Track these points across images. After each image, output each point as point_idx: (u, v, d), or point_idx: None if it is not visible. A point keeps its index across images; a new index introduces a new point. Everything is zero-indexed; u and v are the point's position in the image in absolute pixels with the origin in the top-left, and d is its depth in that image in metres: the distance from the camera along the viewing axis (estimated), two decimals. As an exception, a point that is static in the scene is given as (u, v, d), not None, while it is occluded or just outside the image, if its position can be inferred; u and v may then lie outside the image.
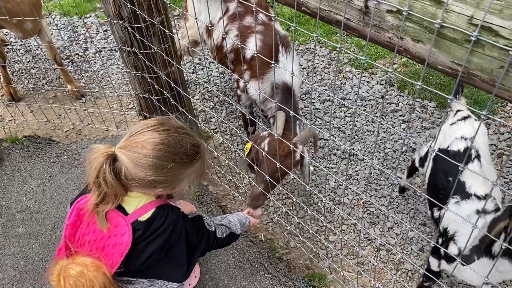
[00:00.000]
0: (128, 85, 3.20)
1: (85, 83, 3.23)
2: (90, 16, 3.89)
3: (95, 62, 3.41)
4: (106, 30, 3.68)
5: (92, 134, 2.83)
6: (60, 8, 3.96)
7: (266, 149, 1.94)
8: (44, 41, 2.89)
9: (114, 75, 3.30)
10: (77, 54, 3.48)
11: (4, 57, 3.00)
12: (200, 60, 3.39)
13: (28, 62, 3.43)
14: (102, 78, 3.27)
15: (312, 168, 2.60)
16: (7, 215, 2.18)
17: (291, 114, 1.53)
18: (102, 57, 3.45)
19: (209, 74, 3.29)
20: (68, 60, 3.42)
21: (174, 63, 2.14)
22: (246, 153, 2.13)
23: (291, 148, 1.77)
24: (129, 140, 1.29)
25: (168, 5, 2.00)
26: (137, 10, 1.94)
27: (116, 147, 1.28)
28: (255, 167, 2.02)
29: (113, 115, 2.91)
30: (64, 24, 3.78)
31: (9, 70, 3.20)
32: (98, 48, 3.53)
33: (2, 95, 3.10)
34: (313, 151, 2.37)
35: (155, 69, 2.15)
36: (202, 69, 3.33)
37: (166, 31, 2.06)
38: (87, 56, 3.45)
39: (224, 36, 2.38)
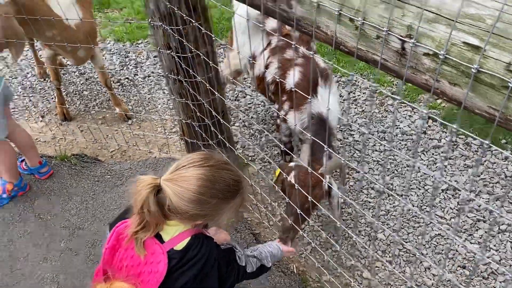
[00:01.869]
0: (172, 110, 3.32)
1: (132, 106, 3.39)
2: (141, 42, 4.10)
3: (143, 87, 3.57)
4: (155, 57, 3.86)
5: (136, 156, 2.94)
6: (114, 34, 4.20)
7: (293, 180, 1.95)
8: (97, 66, 3.07)
9: (159, 100, 3.43)
10: (127, 78, 3.66)
11: (59, 80, 3.20)
12: (243, 87, 3.47)
13: (81, 84, 3.64)
14: (149, 102, 3.41)
15: (341, 200, 2.57)
16: (51, 230, 2.29)
17: (322, 145, 1.54)
18: (150, 82, 3.61)
19: (250, 102, 3.37)
20: (118, 84, 3.60)
21: (216, 92, 2.22)
22: (274, 179, 2.15)
23: (313, 177, 1.77)
24: (175, 174, 1.33)
25: (213, 37, 2.09)
26: (184, 41, 2.04)
27: (162, 179, 1.33)
28: (286, 199, 2.03)
29: (157, 138, 3.02)
30: (116, 49, 4.00)
31: (63, 91, 3.40)
32: (146, 73, 3.70)
33: (55, 114, 3.29)
34: (341, 183, 2.35)
35: (198, 97, 2.23)
36: (244, 97, 3.41)
37: (210, 62, 2.14)
38: (136, 81, 3.62)
39: (265, 69, 2.47)
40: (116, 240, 1.44)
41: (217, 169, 1.37)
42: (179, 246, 1.39)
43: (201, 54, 2.09)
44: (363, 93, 3.32)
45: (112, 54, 3.95)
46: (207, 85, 2.17)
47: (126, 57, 3.91)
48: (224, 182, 1.36)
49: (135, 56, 3.91)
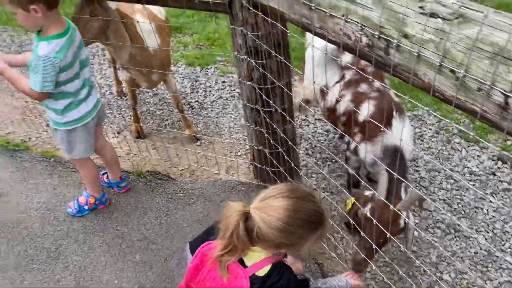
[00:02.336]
0: (238, 133, 3.46)
1: (201, 128, 3.55)
2: (211, 67, 4.30)
3: (211, 110, 3.74)
4: (223, 82, 4.05)
5: (204, 175, 3.07)
6: (185, 58, 4.44)
7: (369, 212, 1.99)
8: (170, 90, 3.27)
9: (227, 123, 3.58)
10: (197, 101, 3.85)
11: (136, 100, 3.43)
12: (306, 116, 3.56)
13: (154, 104, 3.86)
14: (216, 125, 3.57)
15: (416, 233, 2.56)
16: (127, 242, 2.44)
17: (398, 178, 1.58)
18: (218, 106, 3.77)
19: (313, 130, 3.44)
20: (188, 106, 3.79)
21: (291, 121, 2.32)
22: (347, 208, 2.19)
23: (392, 212, 1.80)
24: (264, 203, 1.42)
25: (291, 69, 2.20)
26: (267, 74, 2.16)
27: (251, 207, 1.42)
28: (361, 232, 2.06)
29: (223, 160, 3.15)
30: (187, 73, 4.22)
31: (138, 110, 3.63)
32: (214, 97, 3.88)
33: (131, 131, 3.51)
34: (419, 213, 2.35)
35: (274, 125, 2.33)
36: (308, 125, 3.49)
37: (289, 92, 2.25)
38: (205, 104, 3.80)
39: (337, 101, 2.54)
40: (200, 260, 1.54)
41: (303, 201, 1.44)
42: (261, 272, 1.46)
43: (280, 86, 2.21)
44: (429, 129, 3.31)
45: (183, 77, 4.17)
46: (285, 115, 2.28)
47: (196, 81, 4.12)
48: (309, 213, 1.44)
49: (205, 80, 4.10)
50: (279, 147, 2.40)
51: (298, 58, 3.75)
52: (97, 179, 2.61)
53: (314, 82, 2.12)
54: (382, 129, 2.22)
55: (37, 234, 2.51)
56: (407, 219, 2.02)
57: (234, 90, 3.95)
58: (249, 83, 2.25)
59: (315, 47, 2.58)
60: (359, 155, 2.43)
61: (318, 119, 3.51)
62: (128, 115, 3.70)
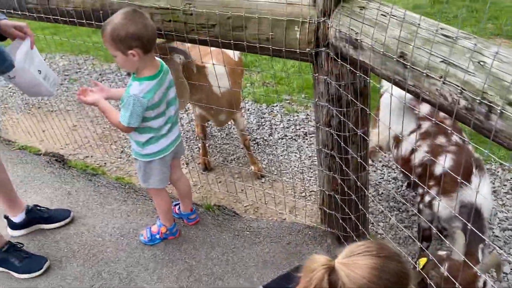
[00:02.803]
0: (302, 174, 3.48)
1: (266, 165, 3.61)
2: (277, 105, 4.40)
3: (276, 148, 3.80)
4: (288, 120, 4.12)
5: (267, 214, 3.11)
6: (253, 95, 4.57)
7: (445, 274, 1.92)
8: (238, 129, 3.37)
9: (291, 162, 3.62)
10: (262, 138, 3.94)
11: (205, 134, 3.56)
12: (373, 161, 3.53)
13: (222, 138, 3.99)
14: (281, 163, 3.62)
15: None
16: (195, 275, 2.49)
17: (475, 238, 1.53)
18: (283, 144, 3.84)
19: (381, 177, 3.40)
20: (254, 142, 3.88)
21: (367, 167, 2.32)
22: (419, 267, 2.13)
23: (469, 274, 1.73)
24: (349, 259, 1.43)
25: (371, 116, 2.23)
26: (346, 121, 2.20)
27: (337, 262, 1.43)
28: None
29: (287, 200, 3.17)
30: (254, 109, 4.34)
31: (206, 144, 3.76)
32: (280, 135, 3.95)
33: (198, 163, 3.63)
34: (496, 276, 2.24)
35: (349, 172, 2.34)
36: (375, 171, 3.46)
37: (367, 140, 2.27)
38: (270, 141, 3.88)
39: (413, 151, 2.51)
40: None
41: (390, 260, 1.44)
42: None
43: (358, 134, 2.23)
44: (504, 185, 3.18)
45: (250, 113, 4.29)
46: (361, 162, 2.29)
47: (262, 118, 4.22)
48: (395, 274, 1.42)
49: (271, 118, 4.20)
50: (352, 194, 2.40)
51: (373, 104, 3.77)
52: (170, 209, 2.71)
53: (390, 128, 2.13)
54: (459, 185, 2.19)
55: (111, 259, 2.63)
56: (486, 282, 1.94)
57: (299, 129, 4.01)
58: (327, 129, 2.29)
59: (393, 95, 2.60)
60: (433, 209, 2.38)
61: (385, 166, 3.48)
62: (196, 147, 3.84)
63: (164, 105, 2.34)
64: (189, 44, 2.60)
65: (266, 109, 4.35)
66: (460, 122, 1.49)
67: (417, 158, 2.48)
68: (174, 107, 2.43)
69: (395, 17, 1.69)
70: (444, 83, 1.46)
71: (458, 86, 1.41)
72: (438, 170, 2.33)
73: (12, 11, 2.99)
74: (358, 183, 2.38)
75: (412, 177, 2.47)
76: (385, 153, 2.94)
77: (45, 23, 3.01)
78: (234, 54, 3.20)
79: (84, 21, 2.65)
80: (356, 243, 1.49)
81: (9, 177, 2.72)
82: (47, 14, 2.77)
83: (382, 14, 1.75)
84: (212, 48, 2.57)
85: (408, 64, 1.58)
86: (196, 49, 2.60)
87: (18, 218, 2.80)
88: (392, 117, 2.68)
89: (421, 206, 2.50)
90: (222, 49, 2.61)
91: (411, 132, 2.58)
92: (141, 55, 2.14)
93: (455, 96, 1.43)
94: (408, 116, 2.59)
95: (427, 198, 2.42)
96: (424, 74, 1.52)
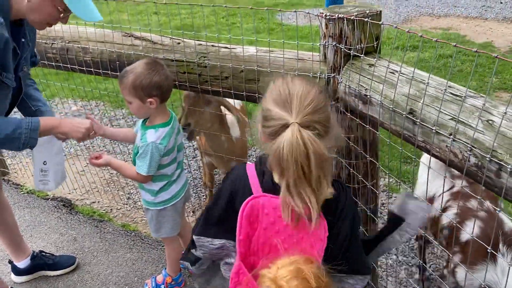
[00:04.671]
0: (310, 224, 3.44)
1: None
2: (284, 154, 4.43)
3: (283, 197, 3.79)
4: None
5: (274, 265, 3.06)
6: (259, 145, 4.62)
7: None
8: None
9: (299, 212, 3.60)
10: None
11: (213, 183, 3.58)
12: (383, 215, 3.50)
13: (228, 186, 3.99)
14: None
15: None
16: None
17: None
18: (290, 193, 3.83)
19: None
20: (261, 191, 3.88)
21: (376, 221, 2.31)
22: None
23: None
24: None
25: (380, 169, 2.23)
26: (355, 173, 2.21)
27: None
28: None
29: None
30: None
31: (213, 191, 3.76)
32: (287, 184, 3.95)
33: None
34: None
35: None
36: (383, 223, 3.42)
37: (376, 193, 2.27)
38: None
39: (442, 211, 2.38)
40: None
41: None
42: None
43: (368, 186, 2.24)
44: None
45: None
46: (371, 215, 2.28)
47: (269, 166, 4.24)
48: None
49: (278, 166, 4.22)
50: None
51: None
52: (178, 259, 2.67)
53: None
54: (483, 260, 1.98)
55: (115, 308, 2.58)
56: None
57: (306, 178, 4.01)
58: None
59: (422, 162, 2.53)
60: (456, 278, 2.23)
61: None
62: (203, 195, 3.83)
63: (175, 151, 2.38)
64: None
65: (273, 157, 4.38)
66: (470, 179, 1.50)
67: (446, 218, 2.33)
68: (182, 152, 2.48)
69: (404, 75, 1.75)
70: (454, 140, 1.49)
71: (468, 144, 1.43)
72: (463, 236, 2.17)
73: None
74: (367, 235, 2.36)
75: (435, 243, 2.31)
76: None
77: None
78: (234, 102, 3.29)
79: (100, 70, 2.74)
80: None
81: (16, 221, 2.72)
82: (65, 63, 2.87)
83: (390, 72, 1.81)
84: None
85: (418, 120, 1.62)
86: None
87: (22, 263, 2.77)
88: (423, 175, 2.56)
89: (445, 271, 2.36)
90: (223, 98, 2.68)
91: (444, 193, 2.42)
92: (157, 104, 2.21)
93: (465, 154, 1.46)
94: (441, 178, 2.42)
95: (451, 265, 2.26)
96: (434, 131, 1.55)
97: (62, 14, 1.94)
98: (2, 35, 1.82)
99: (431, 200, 2.51)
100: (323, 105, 1.32)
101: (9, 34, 1.87)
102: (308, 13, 2.15)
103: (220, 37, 2.55)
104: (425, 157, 2.68)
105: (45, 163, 2.36)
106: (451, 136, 1.49)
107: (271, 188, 1.37)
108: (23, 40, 2.08)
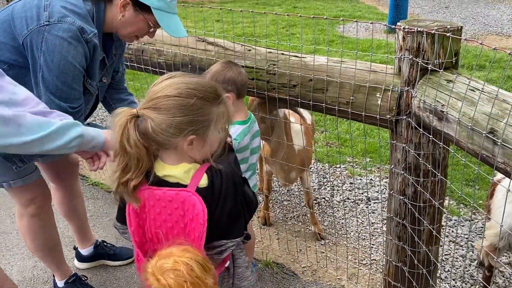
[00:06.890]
0: (364, 240, 3.38)
1: (326, 227, 3.56)
2: (340, 166, 4.39)
3: (338, 210, 3.75)
4: (351, 183, 4.08)
5: (325, 278, 3.02)
6: (314, 155, 4.60)
7: None
8: (304, 187, 3.38)
9: (353, 227, 3.55)
10: (324, 198, 3.91)
11: (270, 190, 3.60)
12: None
13: (283, 194, 4.00)
14: (342, 227, 3.55)
15: None
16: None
17: None
18: (345, 207, 3.78)
19: (447, 253, 3.23)
20: (315, 202, 3.86)
21: (439, 242, 2.23)
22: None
23: None
24: (151, 103, 1.47)
25: (448, 187, 2.16)
26: (423, 191, 2.15)
27: (138, 109, 1.51)
28: None
29: (347, 265, 3.08)
30: (316, 169, 4.35)
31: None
32: (342, 198, 3.90)
33: (258, 217, 3.64)
34: None
35: (421, 244, 2.26)
36: (441, 246, 3.29)
37: (443, 211, 2.20)
38: (332, 203, 3.83)
39: None
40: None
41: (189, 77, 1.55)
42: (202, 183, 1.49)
43: (436, 205, 2.17)
44: None
45: (312, 172, 4.30)
46: (435, 235, 2.21)
47: (324, 178, 4.22)
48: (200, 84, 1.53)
49: (333, 179, 4.18)
50: (422, 268, 2.30)
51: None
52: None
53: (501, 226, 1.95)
54: None
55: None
56: None
57: (362, 193, 3.94)
58: (401, 197, 2.25)
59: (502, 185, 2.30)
60: None
61: (452, 241, 3.31)
62: (260, 202, 3.86)
63: (248, 152, 2.43)
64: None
65: (328, 169, 4.35)
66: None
67: None
68: (256, 156, 2.51)
69: (485, 93, 1.69)
70: (540, 163, 1.42)
71: (556, 169, 1.36)
72: None
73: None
74: (430, 256, 2.28)
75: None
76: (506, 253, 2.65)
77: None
78: (308, 118, 3.32)
79: (172, 72, 2.86)
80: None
81: (86, 210, 2.87)
82: (140, 64, 3.02)
83: (470, 89, 1.76)
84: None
85: (499, 141, 1.56)
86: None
87: (86, 251, 2.91)
88: (508, 207, 2.23)
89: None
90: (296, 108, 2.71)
91: None
92: (234, 99, 2.28)
93: (552, 178, 1.38)
94: None
95: None
96: (517, 152, 1.49)
97: (152, 29, 2.12)
98: (94, 44, 1.97)
99: None
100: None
101: (100, 45, 2.03)
102: (371, 23, 2.13)
103: (284, 45, 2.61)
104: (504, 184, 2.39)
105: None
106: (538, 159, 1.42)
107: (157, 180, 1.53)
108: (114, 53, 2.26)
